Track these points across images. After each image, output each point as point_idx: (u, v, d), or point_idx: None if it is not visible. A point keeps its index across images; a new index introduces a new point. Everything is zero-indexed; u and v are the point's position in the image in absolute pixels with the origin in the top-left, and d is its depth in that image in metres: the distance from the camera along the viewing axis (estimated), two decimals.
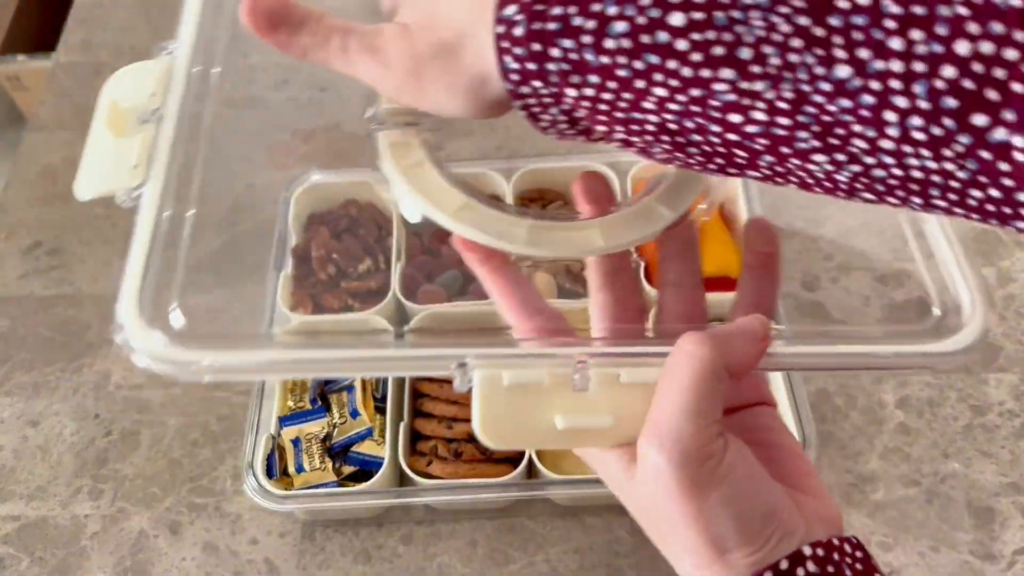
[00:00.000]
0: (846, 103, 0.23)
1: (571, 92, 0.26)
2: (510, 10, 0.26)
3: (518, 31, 0.25)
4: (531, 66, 0.26)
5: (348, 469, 0.62)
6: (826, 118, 0.23)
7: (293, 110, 0.89)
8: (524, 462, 0.60)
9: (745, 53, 0.23)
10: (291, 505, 0.59)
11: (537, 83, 0.26)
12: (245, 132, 0.88)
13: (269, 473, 0.61)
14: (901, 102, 0.22)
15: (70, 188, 0.97)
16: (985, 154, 0.22)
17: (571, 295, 0.69)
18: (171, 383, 0.71)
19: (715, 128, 0.25)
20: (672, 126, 0.25)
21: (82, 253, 0.79)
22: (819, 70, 0.23)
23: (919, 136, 0.22)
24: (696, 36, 0.23)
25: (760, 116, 0.24)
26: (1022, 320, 0.70)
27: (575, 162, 0.73)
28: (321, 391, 0.66)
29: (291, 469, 0.62)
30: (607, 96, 0.25)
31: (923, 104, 0.22)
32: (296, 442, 0.63)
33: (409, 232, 0.73)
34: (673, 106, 0.25)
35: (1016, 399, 0.66)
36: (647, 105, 0.25)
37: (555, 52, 0.25)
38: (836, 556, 0.29)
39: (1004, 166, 0.22)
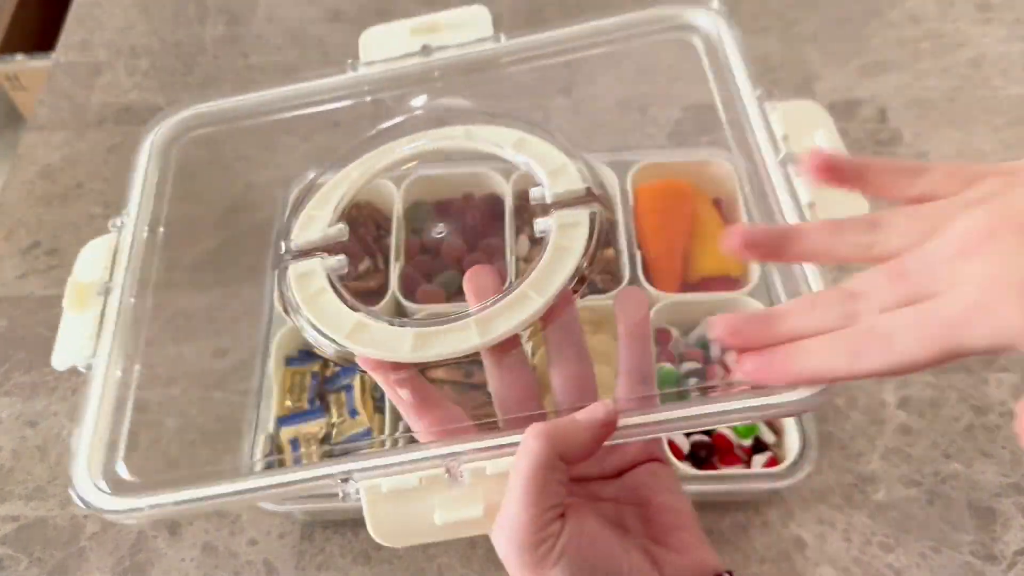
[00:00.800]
0: None
1: None
2: None
3: None
4: None
5: None
6: None
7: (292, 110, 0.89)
8: None
9: None
10: (290, 506, 0.59)
11: None
12: (244, 132, 0.88)
13: None
14: None
15: (69, 188, 0.97)
16: None
17: None
18: (170, 383, 0.70)
19: None
20: None
21: None
22: None
23: None
24: None
25: None
26: None
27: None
28: (320, 391, 0.66)
29: None
30: None
31: None
32: (294, 442, 0.63)
33: (408, 232, 0.73)
34: None
35: (1017, 399, 0.66)
36: None
37: None
38: None
39: None
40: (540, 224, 0.40)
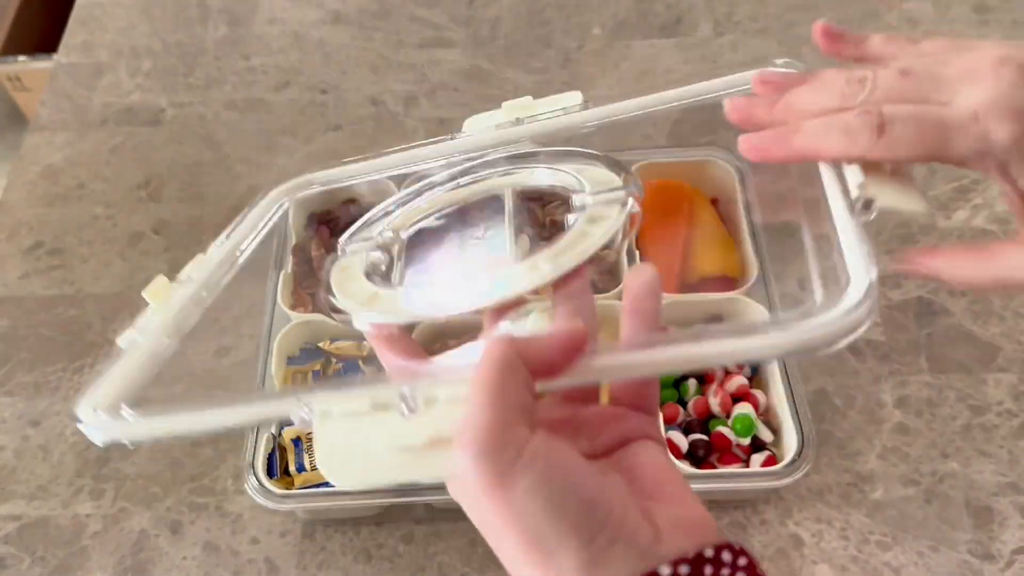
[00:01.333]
0: None
1: None
2: None
3: None
4: None
5: None
6: None
7: (294, 112, 0.89)
8: None
9: None
10: (292, 504, 0.59)
11: None
12: (247, 133, 0.88)
13: (270, 472, 0.61)
14: None
15: (70, 188, 0.98)
16: None
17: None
18: (172, 383, 0.71)
19: None
20: None
21: (83, 253, 0.80)
22: None
23: None
24: None
25: None
26: (1021, 320, 0.70)
27: None
28: None
29: (292, 468, 0.62)
30: None
31: None
32: (297, 441, 0.63)
33: None
34: None
35: (1015, 399, 0.66)
36: None
37: None
38: (708, 570, 0.27)
39: None
40: (571, 218, 0.39)
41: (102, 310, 0.76)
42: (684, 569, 0.26)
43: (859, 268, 0.31)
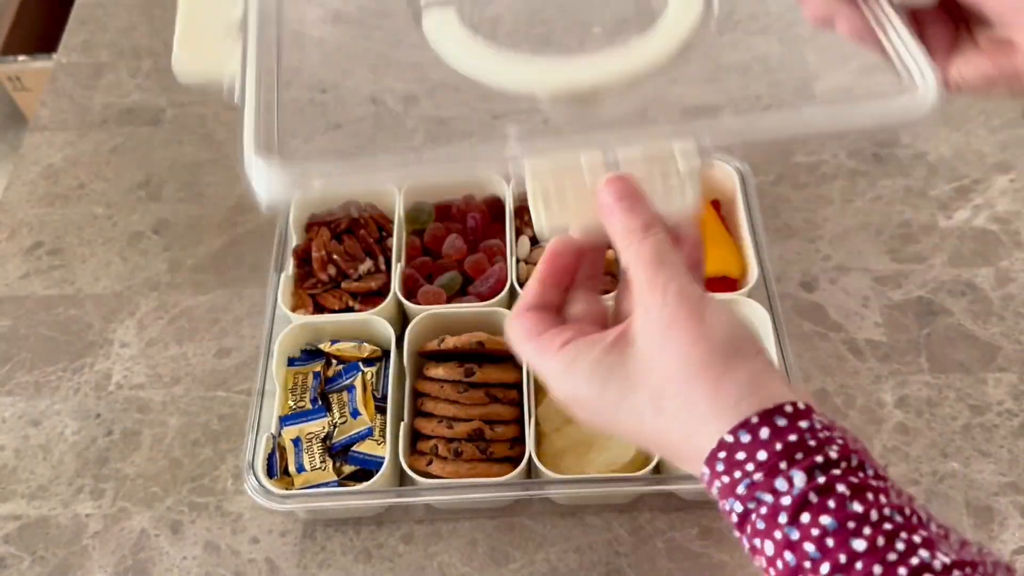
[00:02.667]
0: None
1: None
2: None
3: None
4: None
5: (348, 468, 0.62)
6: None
7: (294, 112, 0.89)
8: (524, 462, 0.60)
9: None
10: (292, 504, 0.59)
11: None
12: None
13: (270, 473, 0.61)
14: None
15: (71, 188, 0.98)
16: None
17: None
18: (173, 382, 0.71)
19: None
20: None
21: (83, 253, 0.80)
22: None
23: None
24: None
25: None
26: (1021, 320, 0.70)
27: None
28: (322, 390, 0.66)
29: (292, 469, 0.62)
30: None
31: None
32: (297, 442, 0.63)
33: (409, 233, 0.73)
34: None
35: (1015, 399, 0.66)
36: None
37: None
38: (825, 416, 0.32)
39: None
40: None
41: (102, 310, 0.76)
42: (801, 405, 0.31)
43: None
